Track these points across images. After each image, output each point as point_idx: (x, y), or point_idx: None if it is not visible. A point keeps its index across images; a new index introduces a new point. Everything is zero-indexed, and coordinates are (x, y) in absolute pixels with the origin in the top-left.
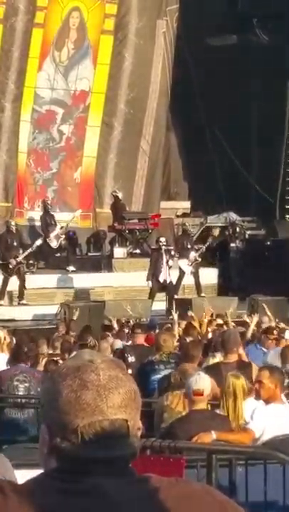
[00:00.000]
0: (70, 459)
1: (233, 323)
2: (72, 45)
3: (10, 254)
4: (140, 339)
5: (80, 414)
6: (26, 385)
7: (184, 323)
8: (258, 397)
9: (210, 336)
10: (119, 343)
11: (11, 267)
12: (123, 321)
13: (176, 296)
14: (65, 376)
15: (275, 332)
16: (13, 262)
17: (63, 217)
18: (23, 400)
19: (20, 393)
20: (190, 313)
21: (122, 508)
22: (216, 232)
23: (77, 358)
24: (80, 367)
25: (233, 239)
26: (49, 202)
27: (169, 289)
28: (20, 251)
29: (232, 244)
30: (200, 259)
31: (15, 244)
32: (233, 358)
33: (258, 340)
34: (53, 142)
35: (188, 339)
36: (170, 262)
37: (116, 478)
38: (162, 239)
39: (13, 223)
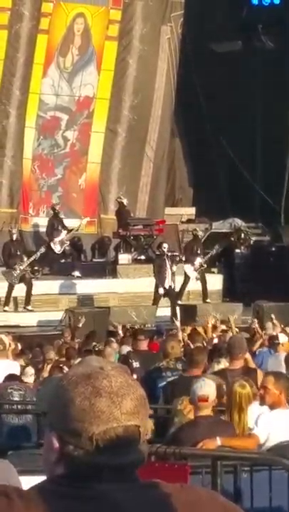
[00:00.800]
0: (83, 466)
1: (236, 329)
2: (77, 51)
3: (14, 262)
4: (143, 345)
5: (95, 421)
6: (21, 392)
7: (188, 329)
8: (262, 402)
9: (215, 341)
10: (126, 349)
11: (15, 274)
12: (128, 327)
13: (180, 302)
14: (76, 384)
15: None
16: (17, 269)
17: (68, 224)
18: (19, 406)
19: (16, 399)
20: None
21: None
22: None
23: (85, 364)
24: (91, 374)
25: (238, 245)
26: (57, 207)
27: (172, 295)
28: (25, 258)
29: (237, 250)
30: (205, 266)
31: (18, 253)
32: (238, 364)
33: (270, 346)
34: (58, 148)
35: (193, 345)
36: (174, 268)
37: (123, 484)
38: (165, 245)
39: (14, 231)
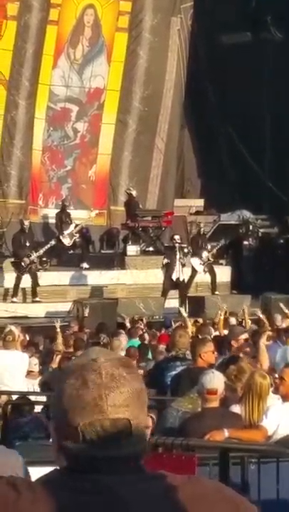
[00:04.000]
0: (75, 458)
1: (249, 321)
2: (87, 42)
3: (23, 253)
4: None
5: (81, 412)
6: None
7: (199, 321)
8: (276, 391)
9: (225, 332)
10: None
11: (23, 265)
12: (136, 319)
13: (188, 294)
14: (69, 375)
15: None
16: (26, 260)
17: (77, 215)
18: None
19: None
20: (201, 320)
21: (133, 506)
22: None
23: (83, 356)
24: (83, 365)
25: (246, 237)
26: (67, 202)
27: (181, 287)
28: (33, 250)
29: (245, 242)
30: (212, 260)
31: (27, 244)
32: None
33: (278, 338)
34: (68, 140)
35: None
36: (183, 260)
37: (126, 476)
38: (177, 236)
39: (26, 223)
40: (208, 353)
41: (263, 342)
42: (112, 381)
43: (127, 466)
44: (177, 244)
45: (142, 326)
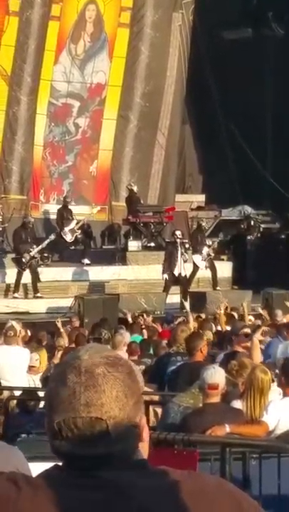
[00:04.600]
0: (59, 455)
1: (251, 317)
2: (89, 38)
3: (24, 249)
4: None
5: (57, 410)
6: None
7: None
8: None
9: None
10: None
11: (24, 261)
12: (136, 314)
13: (190, 290)
14: (55, 371)
15: None
16: (26, 256)
17: (79, 211)
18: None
19: None
20: (204, 315)
21: (133, 502)
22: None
23: (73, 353)
24: (67, 363)
25: (248, 232)
26: (69, 198)
27: (183, 282)
28: (34, 246)
29: (248, 237)
30: (213, 255)
31: (29, 239)
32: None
33: (279, 333)
34: (69, 135)
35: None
36: (185, 256)
37: (125, 472)
38: (178, 232)
39: (32, 221)
40: (205, 347)
41: (257, 337)
42: (90, 379)
43: (119, 463)
44: (178, 240)
45: (148, 321)
